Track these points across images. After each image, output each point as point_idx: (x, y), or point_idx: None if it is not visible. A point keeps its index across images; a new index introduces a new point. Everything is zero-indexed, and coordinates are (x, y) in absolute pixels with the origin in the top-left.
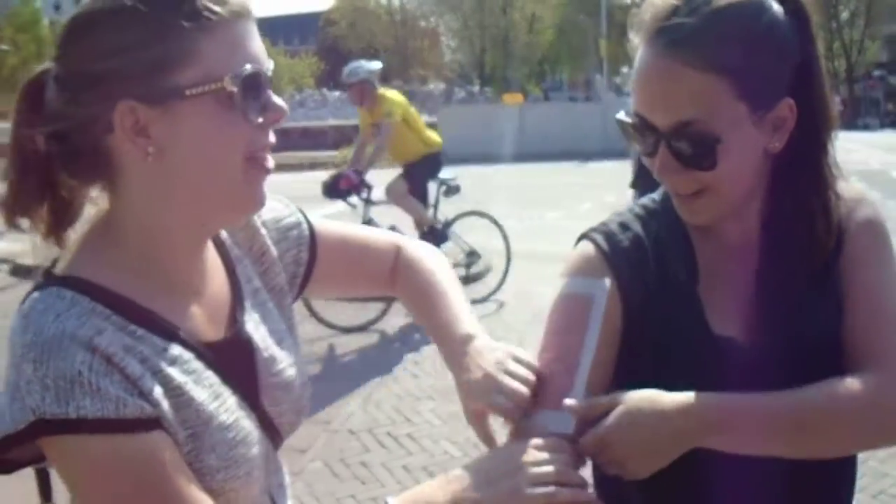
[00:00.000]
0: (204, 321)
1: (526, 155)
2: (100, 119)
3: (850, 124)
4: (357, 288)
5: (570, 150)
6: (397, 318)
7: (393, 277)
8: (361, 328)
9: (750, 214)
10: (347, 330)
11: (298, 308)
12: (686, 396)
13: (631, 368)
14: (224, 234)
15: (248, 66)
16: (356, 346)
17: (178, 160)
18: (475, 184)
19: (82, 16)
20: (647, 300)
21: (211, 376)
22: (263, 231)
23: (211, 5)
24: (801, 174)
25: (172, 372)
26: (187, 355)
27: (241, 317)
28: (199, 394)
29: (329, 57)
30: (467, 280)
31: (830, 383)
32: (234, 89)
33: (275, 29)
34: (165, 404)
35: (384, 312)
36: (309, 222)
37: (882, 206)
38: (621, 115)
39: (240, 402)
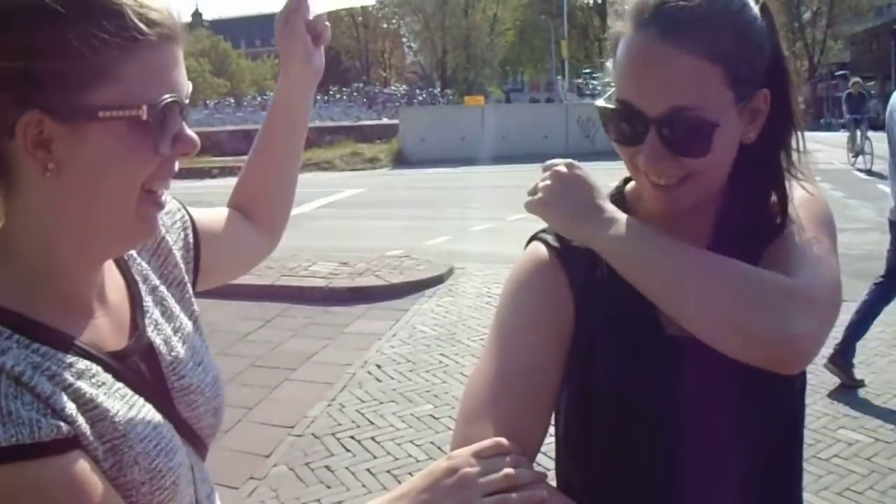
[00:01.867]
0: (107, 331)
1: (488, 157)
2: (1, 122)
3: (813, 124)
4: (244, 259)
5: (532, 151)
6: (362, 322)
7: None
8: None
9: (707, 211)
10: None
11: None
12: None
13: (584, 371)
14: None
15: (168, 97)
16: (319, 349)
17: (75, 181)
18: (436, 186)
19: (16, 7)
20: (600, 301)
21: (122, 387)
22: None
23: (140, 24)
24: (765, 168)
25: (83, 386)
26: (95, 368)
27: (141, 321)
28: (113, 405)
29: None
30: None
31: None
32: (150, 119)
33: (236, 30)
34: (81, 420)
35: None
36: (182, 204)
37: (845, 206)
38: (601, 102)
39: (155, 410)
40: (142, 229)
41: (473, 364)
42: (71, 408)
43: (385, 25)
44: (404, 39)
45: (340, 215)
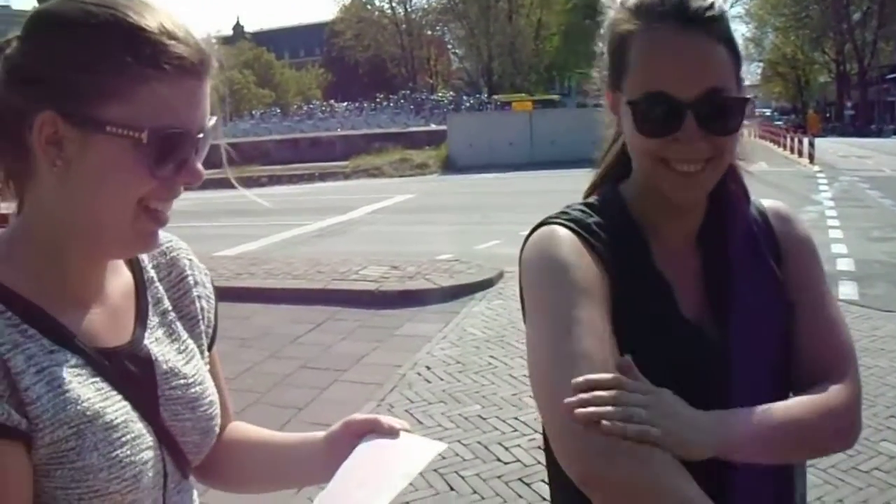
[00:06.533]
0: (102, 328)
1: (535, 162)
2: (26, 117)
3: (863, 130)
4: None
5: (581, 156)
6: (412, 325)
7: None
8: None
9: (694, 215)
10: None
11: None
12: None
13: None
14: (145, 256)
15: (172, 129)
16: (369, 351)
17: (78, 182)
18: (484, 191)
19: (48, 13)
20: (622, 278)
21: (99, 381)
22: (186, 263)
23: (163, 56)
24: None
25: (57, 370)
26: (75, 360)
27: (141, 332)
28: (85, 392)
29: (335, 68)
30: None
31: (813, 399)
32: (149, 144)
33: (279, 41)
34: (45, 400)
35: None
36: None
37: (894, 215)
38: (632, 97)
39: (132, 409)
40: (137, 241)
41: (522, 365)
42: (39, 388)
43: (430, 32)
44: (449, 46)
45: (390, 220)
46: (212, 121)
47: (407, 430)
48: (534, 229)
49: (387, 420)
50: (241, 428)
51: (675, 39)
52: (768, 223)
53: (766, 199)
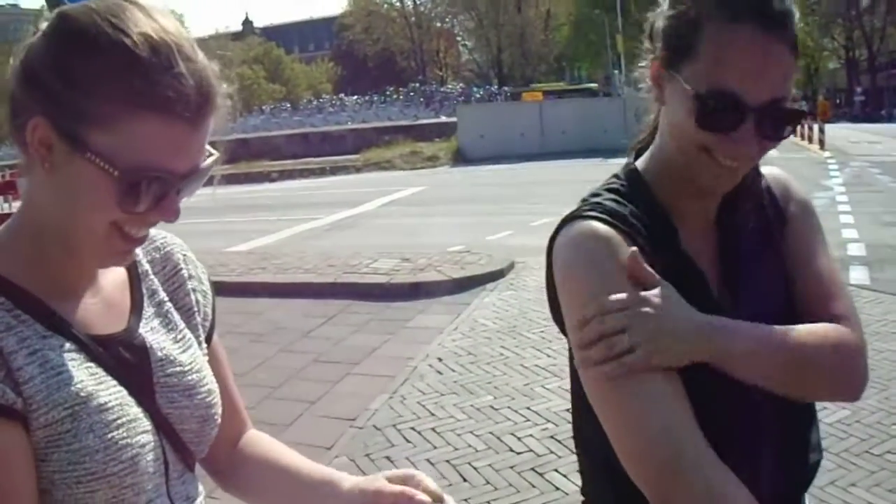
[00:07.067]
0: (96, 319)
1: (546, 153)
2: (25, 112)
3: (873, 115)
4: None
5: (590, 146)
6: (423, 317)
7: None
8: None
9: (716, 196)
10: None
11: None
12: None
13: None
14: (139, 250)
15: (148, 173)
16: (381, 344)
17: (62, 188)
18: (495, 183)
19: (68, 19)
20: (659, 267)
21: (94, 366)
22: (180, 258)
23: (161, 96)
24: None
25: (51, 353)
26: (69, 345)
27: (136, 321)
28: (79, 375)
29: (345, 61)
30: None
31: (819, 327)
32: (120, 182)
33: (289, 36)
34: (38, 381)
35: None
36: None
37: None
38: (697, 90)
39: (128, 394)
40: (110, 256)
41: (534, 355)
42: (31, 368)
43: (439, 24)
44: (459, 38)
45: (401, 213)
46: (208, 160)
47: (440, 502)
48: (564, 222)
49: (420, 495)
50: (264, 444)
51: (755, 42)
52: (771, 191)
53: (763, 167)
